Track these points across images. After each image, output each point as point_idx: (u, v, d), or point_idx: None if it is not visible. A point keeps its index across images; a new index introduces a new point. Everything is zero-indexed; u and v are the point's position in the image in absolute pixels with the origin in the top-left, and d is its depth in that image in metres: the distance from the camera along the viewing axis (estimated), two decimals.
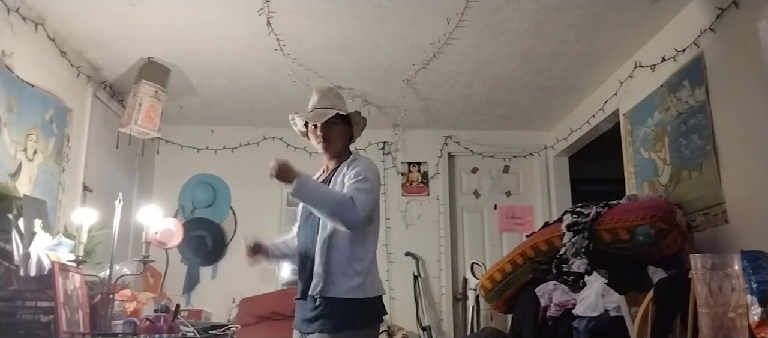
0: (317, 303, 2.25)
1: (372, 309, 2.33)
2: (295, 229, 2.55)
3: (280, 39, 3.50)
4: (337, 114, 2.43)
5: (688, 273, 1.75)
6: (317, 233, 2.31)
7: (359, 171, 2.32)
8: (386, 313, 2.41)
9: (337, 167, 2.45)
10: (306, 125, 2.53)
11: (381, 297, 2.37)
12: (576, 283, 2.98)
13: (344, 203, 2.21)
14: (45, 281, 2.52)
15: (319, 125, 2.44)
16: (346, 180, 2.33)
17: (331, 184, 2.38)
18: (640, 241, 2.86)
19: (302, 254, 2.41)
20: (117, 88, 4.20)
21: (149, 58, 3.83)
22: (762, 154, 2.64)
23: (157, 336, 2.54)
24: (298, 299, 2.40)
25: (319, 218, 2.31)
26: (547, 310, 3.04)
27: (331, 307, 2.23)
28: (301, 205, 2.52)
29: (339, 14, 3.27)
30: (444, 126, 5.15)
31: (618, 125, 4.00)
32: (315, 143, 2.50)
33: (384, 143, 5.18)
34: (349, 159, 2.45)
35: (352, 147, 2.57)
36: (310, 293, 2.26)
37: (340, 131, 2.49)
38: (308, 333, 2.29)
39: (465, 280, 4.92)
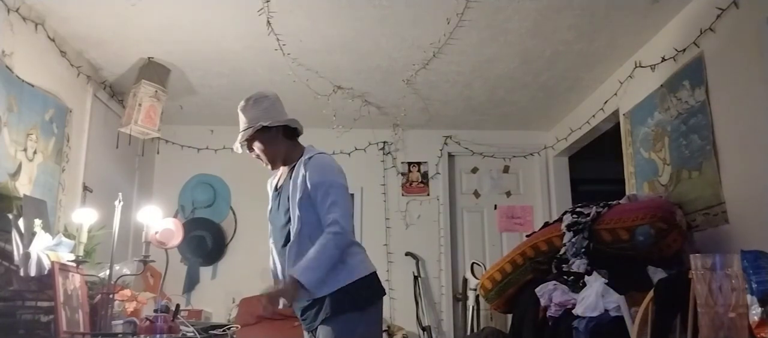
0: (318, 304, 2.23)
1: (369, 286, 2.29)
2: (270, 241, 2.47)
3: (280, 39, 3.50)
4: (259, 128, 2.34)
5: (688, 273, 1.75)
6: (291, 241, 2.27)
7: (319, 182, 2.26)
8: (384, 293, 2.35)
9: (293, 168, 2.39)
10: None
11: (375, 273, 2.32)
12: (576, 283, 2.98)
13: (335, 240, 2.19)
14: (45, 281, 2.52)
15: (251, 152, 2.41)
16: (308, 184, 2.27)
17: (291, 188, 2.32)
18: (640, 241, 2.86)
19: (279, 264, 2.37)
20: (117, 88, 4.20)
21: (149, 58, 3.83)
22: (762, 154, 2.64)
23: (157, 336, 2.54)
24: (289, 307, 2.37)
25: (289, 225, 2.28)
26: (547, 310, 3.04)
27: (331, 301, 2.21)
28: (269, 209, 2.48)
29: (339, 14, 3.27)
30: (444, 126, 5.15)
31: (618, 125, 4.00)
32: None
33: (384, 143, 5.18)
34: (303, 158, 2.36)
35: (305, 142, 2.48)
36: (309, 300, 2.24)
37: (271, 140, 2.38)
38: (314, 329, 2.28)
39: (465, 280, 4.92)
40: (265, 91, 2.48)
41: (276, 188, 2.48)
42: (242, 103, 2.42)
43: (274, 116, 2.38)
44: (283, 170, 2.48)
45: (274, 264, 2.41)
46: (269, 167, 2.44)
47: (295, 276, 2.15)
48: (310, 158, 2.35)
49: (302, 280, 2.15)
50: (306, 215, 2.27)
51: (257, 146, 2.39)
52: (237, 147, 2.44)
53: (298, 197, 2.28)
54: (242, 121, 2.40)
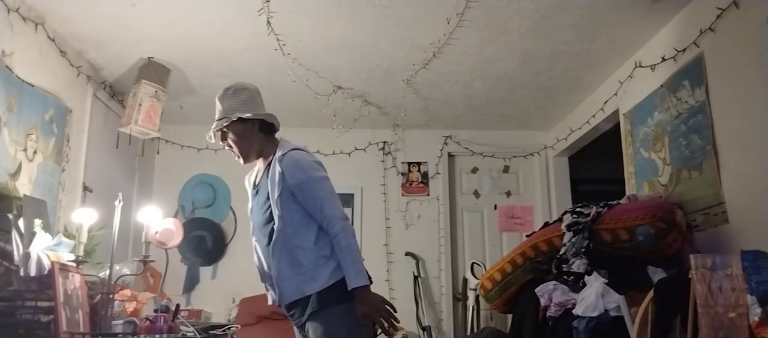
0: (304, 300, 2.21)
1: None
2: (253, 239, 2.44)
3: (280, 39, 3.50)
4: (234, 119, 2.28)
5: (688, 273, 1.75)
6: (275, 240, 2.24)
7: (302, 181, 2.21)
8: (372, 281, 2.27)
9: (269, 163, 2.33)
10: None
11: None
12: (576, 283, 2.98)
13: (344, 233, 2.17)
14: (45, 281, 2.52)
15: (223, 143, 2.36)
16: (289, 184, 2.21)
17: (269, 186, 2.27)
18: (640, 241, 2.86)
19: (265, 261, 2.34)
20: (117, 88, 4.20)
21: (149, 58, 3.83)
22: (762, 154, 2.64)
23: (157, 336, 2.53)
24: (278, 305, 2.35)
25: (272, 225, 2.25)
26: (547, 310, 3.05)
27: (319, 296, 2.18)
28: (250, 208, 2.43)
29: (339, 14, 3.27)
30: (444, 126, 5.15)
31: (618, 125, 4.00)
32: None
33: (384, 143, 5.18)
34: (277, 154, 2.30)
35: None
36: (297, 298, 2.22)
37: (246, 133, 2.33)
38: (303, 325, 2.26)
39: (465, 280, 4.92)
40: (245, 83, 2.43)
41: (254, 185, 2.44)
42: (220, 92, 2.38)
43: (252, 108, 2.34)
44: (260, 166, 2.44)
45: (260, 261, 2.40)
46: (241, 161, 2.38)
47: (354, 287, 2.12)
48: (283, 154, 2.28)
49: (358, 285, 2.12)
50: (287, 213, 2.23)
51: (231, 137, 2.34)
52: (210, 136, 2.41)
53: (276, 195, 2.24)
54: (218, 110, 2.35)
